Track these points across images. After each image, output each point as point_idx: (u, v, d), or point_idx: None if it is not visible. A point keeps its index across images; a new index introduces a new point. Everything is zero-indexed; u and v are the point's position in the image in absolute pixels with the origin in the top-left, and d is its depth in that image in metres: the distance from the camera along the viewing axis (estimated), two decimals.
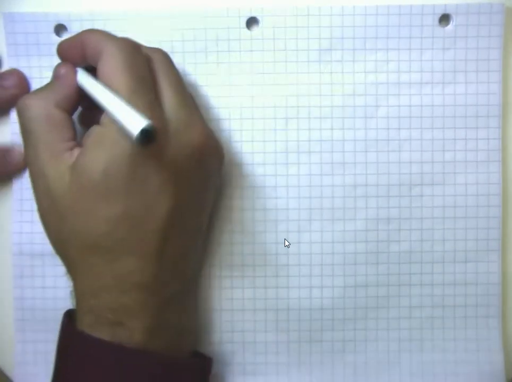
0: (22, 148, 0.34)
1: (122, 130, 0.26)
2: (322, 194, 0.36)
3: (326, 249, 0.36)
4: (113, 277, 0.29)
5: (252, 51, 0.35)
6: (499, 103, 0.36)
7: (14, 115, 0.35)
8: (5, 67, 0.36)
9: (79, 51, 0.31)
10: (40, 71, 0.36)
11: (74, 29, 0.35)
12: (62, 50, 0.32)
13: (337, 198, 0.36)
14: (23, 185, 0.36)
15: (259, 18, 0.35)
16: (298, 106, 0.36)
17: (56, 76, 0.32)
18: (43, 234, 0.35)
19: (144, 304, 0.29)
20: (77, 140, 0.31)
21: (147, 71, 0.30)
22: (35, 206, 0.36)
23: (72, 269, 0.31)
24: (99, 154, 0.28)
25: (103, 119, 0.29)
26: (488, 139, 0.36)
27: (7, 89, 0.35)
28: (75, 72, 0.31)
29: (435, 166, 0.36)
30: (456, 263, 0.36)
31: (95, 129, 0.29)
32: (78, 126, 0.34)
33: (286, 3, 0.35)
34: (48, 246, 0.35)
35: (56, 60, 0.33)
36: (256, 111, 0.36)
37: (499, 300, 0.36)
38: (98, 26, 0.35)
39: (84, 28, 0.35)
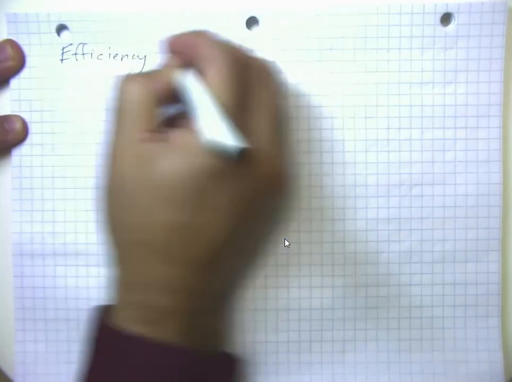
0: (20, 117, 0.35)
1: (213, 144, 0.26)
2: (322, 194, 0.36)
3: (326, 249, 0.36)
4: (155, 278, 0.29)
5: (251, 51, 0.35)
6: (500, 103, 0.36)
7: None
8: None
9: (188, 51, 0.29)
10: (42, 71, 0.35)
11: (75, 29, 0.35)
12: (172, 45, 0.30)
13: (337, 198, 0.36)
14: (22, 185, 0.36)
15: (259, 18, 0.35)
16: (298, 106, 0.36)
17: (163, 65, 0.30)
18: (43, 234, 0.36)
19: (180, 308, 0.29)
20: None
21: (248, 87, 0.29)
22: (34, 206, 0.36)
23: (117, 259, 0.30)
24: (179, 160, 0.27)
25: (192, 126, 0.28)
26: (489, 139, 0.36)
27: (2, 61, 0.35)
28: (177, 69, 0.29)
29: (436, 166, 0.36)
30: (456, 263, 0.36)
31: (182, 133, 0.28)
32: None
33: (286, 3, 0.35)
34: (48, 246, 0.36)
35: (57, 60, 0.34)
36: None
37: (499, 299, 0.36)
38: (99, 26, 0.35)
39: (85, 28, 0.35)
